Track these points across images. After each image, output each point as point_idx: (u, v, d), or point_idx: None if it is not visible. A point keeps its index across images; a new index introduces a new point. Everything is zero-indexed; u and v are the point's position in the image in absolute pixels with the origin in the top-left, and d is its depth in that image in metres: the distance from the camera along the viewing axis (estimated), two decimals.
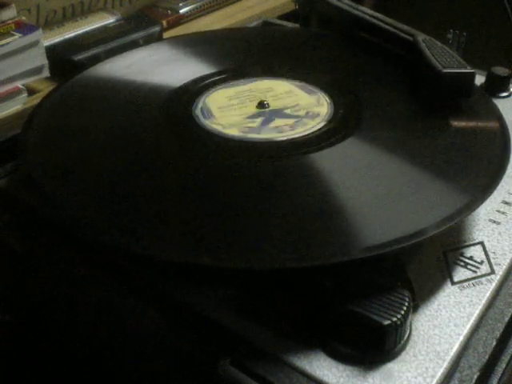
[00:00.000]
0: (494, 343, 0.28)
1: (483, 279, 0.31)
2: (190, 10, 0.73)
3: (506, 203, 0.36)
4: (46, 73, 0.56)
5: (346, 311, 0.27)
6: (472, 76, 0.39)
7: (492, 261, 0.32)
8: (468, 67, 0.39)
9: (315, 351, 0.27)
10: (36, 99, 0.52)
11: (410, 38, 0.44)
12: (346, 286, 0.27)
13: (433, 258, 0.32)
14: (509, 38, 0.87)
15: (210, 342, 0.28)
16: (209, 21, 0.73)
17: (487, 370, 0.28)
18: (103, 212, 0.31)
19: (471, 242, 0.34)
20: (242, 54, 0.48)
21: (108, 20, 0.66)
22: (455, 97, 0.39)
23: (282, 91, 0.43)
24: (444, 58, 0.40)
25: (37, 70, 0.55)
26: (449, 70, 0.39)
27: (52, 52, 0.57)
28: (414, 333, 0.28)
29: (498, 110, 0.40)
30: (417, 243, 0.29)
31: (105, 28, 0.64)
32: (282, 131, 0.38)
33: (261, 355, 0.27)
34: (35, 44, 0.54)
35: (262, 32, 0.58)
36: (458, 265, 0.32)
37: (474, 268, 0.32)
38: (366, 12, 0.49)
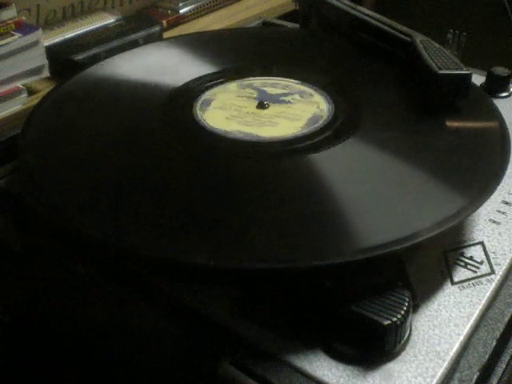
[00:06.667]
0: (494, 343, 0.28)
1: (483, 279, 0.31)
2: (189, 10, 0.73)
3: (506, 203, 0.36)
4: (46, 73, 0.56)
5: (347, 311, 0.27)
6: (468, 77, 0.39)
7: (492, 261, 0.32)
8: (464, 68, 0.39)
9: (315, 351, 0.27)
10: (36, 99, 0.53)
11: (408, 39, 0.44)
12: (346, 286, 0.27)
13: (433, 258, 0.32)
14: (509, 38, 0.87)
15: (210, 342, 0.28)
16: (209, 21, 0.73)
17: (487, 370, 0.28)
18: (103, 212, 0.31)
19: (471, 242, 0.34)
20: (241, 55, 0.48)
21: (108, 20, 0.66)
22: (452, 98, 0.39)
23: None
24: (441, 59, 0.40)
25: (37, 70, 0.55)
26: (445, 72, 0.39)
27: (52, 52, 0.57)
28: (413, 333, 0.28)
29: (498, 110, 0.40)
30: (417, 244, 0.29)
31: (105, 28, 0.64)
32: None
33: (261, 355, 0.27)
34: (35, 44, 0.54)
35: (260, 32, 0.58)
36: (458, 265, 0.32)
37: (474, 268, 0.32)
38: (364, 12, 0.49)
